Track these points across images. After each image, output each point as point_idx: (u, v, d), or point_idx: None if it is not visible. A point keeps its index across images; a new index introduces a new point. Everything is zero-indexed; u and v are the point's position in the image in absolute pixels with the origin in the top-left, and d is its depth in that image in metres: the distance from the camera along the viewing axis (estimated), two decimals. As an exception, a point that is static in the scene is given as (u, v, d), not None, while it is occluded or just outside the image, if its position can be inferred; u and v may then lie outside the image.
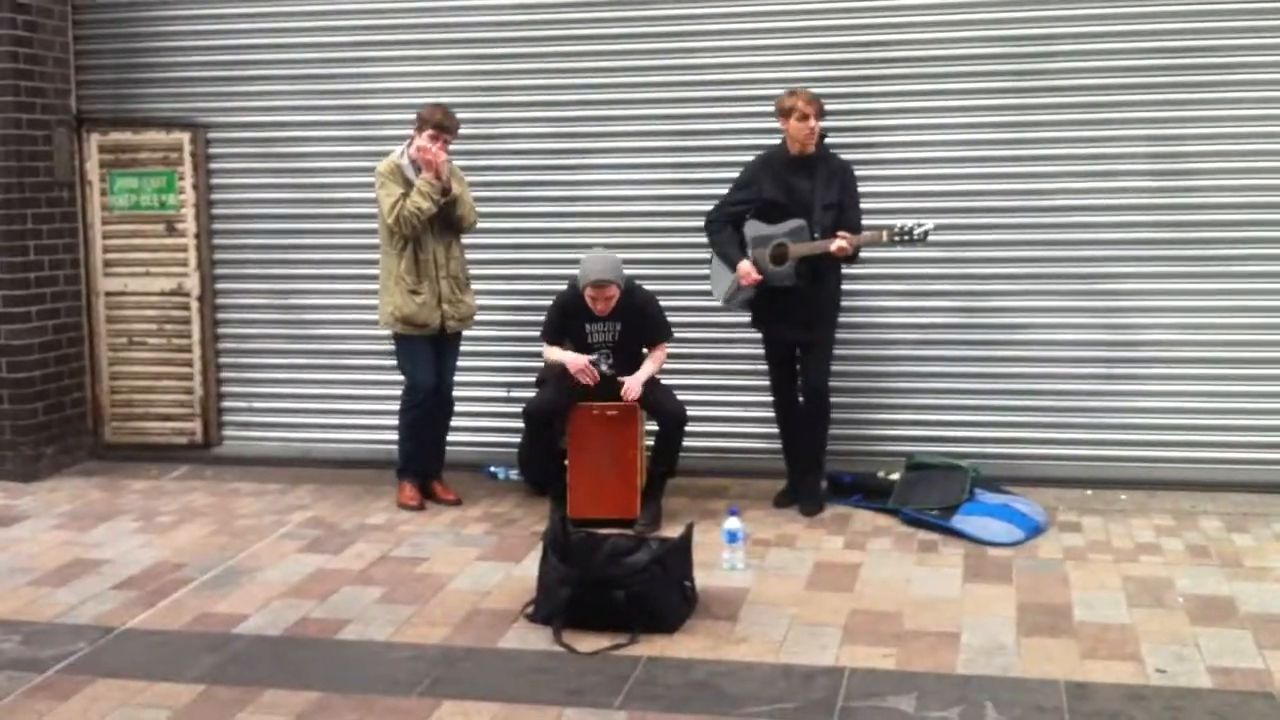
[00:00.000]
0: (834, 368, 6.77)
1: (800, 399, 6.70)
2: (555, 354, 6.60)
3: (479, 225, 6.97)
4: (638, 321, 6.63)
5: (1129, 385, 6.99)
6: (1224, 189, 6.80)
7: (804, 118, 6.36)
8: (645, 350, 6.71)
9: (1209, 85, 6.78)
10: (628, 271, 6.57)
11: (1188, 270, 6.88)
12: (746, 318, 6.80)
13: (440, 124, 6.60)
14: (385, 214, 6.64)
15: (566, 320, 6.63)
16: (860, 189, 6.61)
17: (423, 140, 6.59)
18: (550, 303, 6.72)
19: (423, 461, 6.97)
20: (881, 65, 7.11)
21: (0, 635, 5.10)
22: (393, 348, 6.95)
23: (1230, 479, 6.80)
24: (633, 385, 6.47)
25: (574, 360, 6.48)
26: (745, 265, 6.50)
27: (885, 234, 6.34)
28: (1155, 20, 6.82)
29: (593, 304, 6.49)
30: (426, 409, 6.88)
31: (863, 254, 6.60)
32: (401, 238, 6.65)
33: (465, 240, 6.94)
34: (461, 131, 6.84)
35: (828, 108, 6.75)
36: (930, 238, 6.33)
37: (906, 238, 6.31)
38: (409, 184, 6.61)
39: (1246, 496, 6.66)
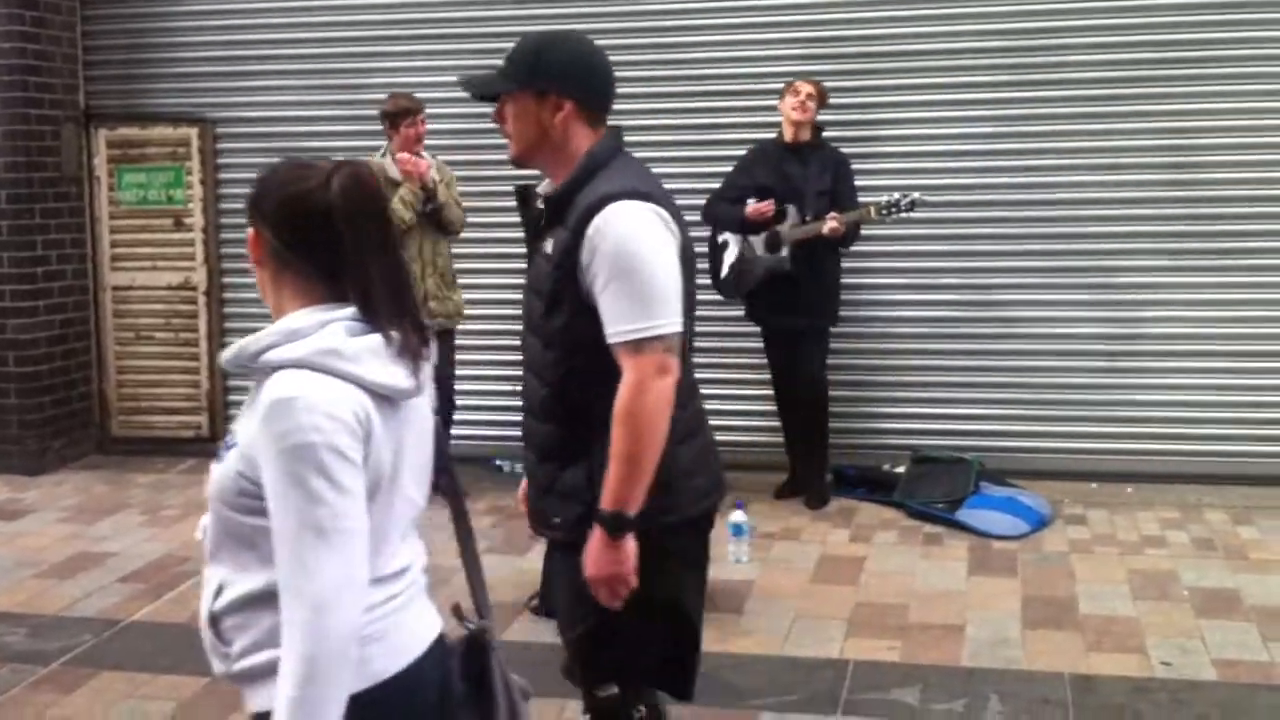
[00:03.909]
0: (839, 361, 6.78)
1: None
2: None
3: (483, 219, 6.98)
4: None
5: (1134, 378, 6.98)
6: (1231, 182, 6.79)
7: (795, 92, 6.39)
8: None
9: (1216, 78, 6.77)
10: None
11: (1193, 264, 6.87)
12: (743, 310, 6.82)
13: (407, 110, 6.60)
14: None
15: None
16: (867, 181, 6.62)
17: (399, 145, 6.60)
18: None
19: None
20: (886, 58, 7.11)
21: (6, 628, 5.13)
22: None
23: (1236, 472, 6.79)
24: None
25: None
26: (753, 206, 6.46)
27: (872, 209, 6.35)
28: (1162, 11, 6.81)
29: None
30: None
31: (867, 247, 6.61)
32: None
33: (467, 232, 6.94)
34: (466, 126, 6.83)
35: (833, 100, 6.76)
36: (918, 208, 6.35)
37: (895, 210, 6.31)
38: (394, 184, 6.61)
39: (1252, 489, 6.65)
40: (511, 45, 2.92)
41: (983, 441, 6.99)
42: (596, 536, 2.71)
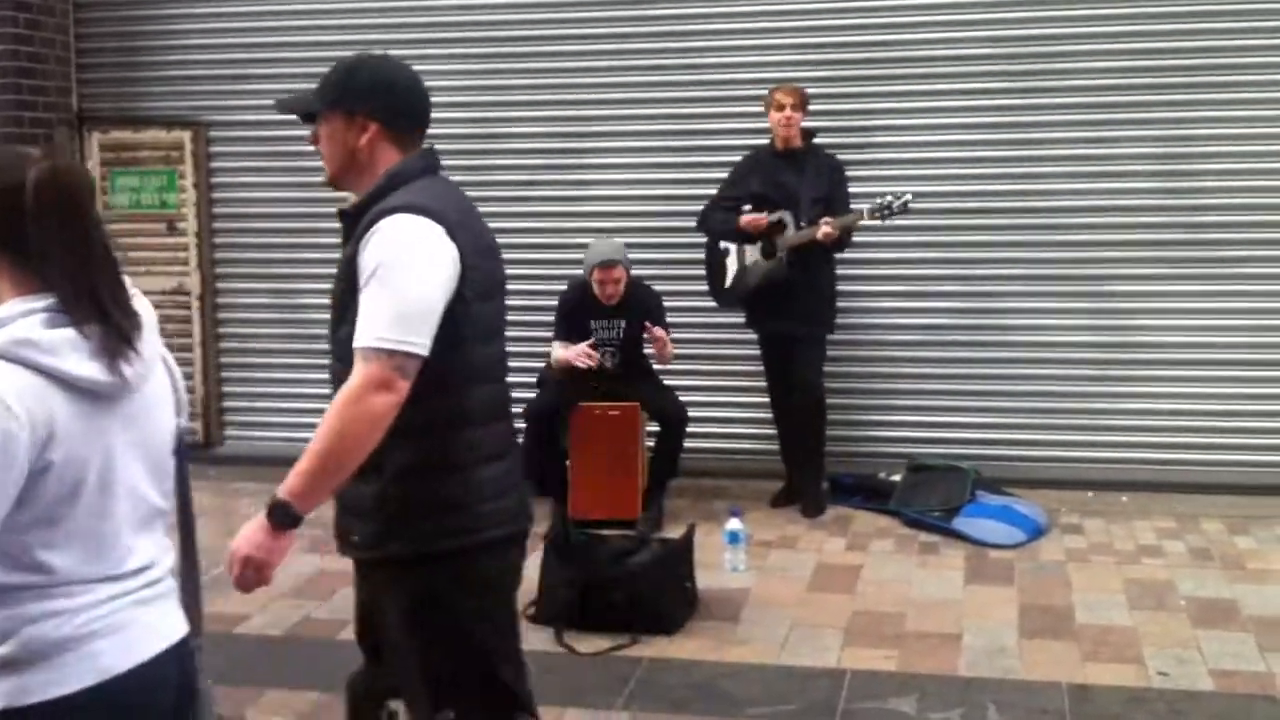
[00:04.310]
0: (835, 369, 6.77)
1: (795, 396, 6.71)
2: (558, 352, 6.58)
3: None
4: (642, 318, 6.62)
5: (1130, 387, 6.99)
6: (1225, 190, 6.80)
7: (779, 107, 6.41)
8: (647, 336, 6.69)
9: (1210, 86, 6.78)
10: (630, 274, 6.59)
11: (1189, 272, 6.88)
12: (743, 318, 6.81)
13: None
14: None
15: (571, 319, 6.61)
16: (861, 189, 6.62)
17: None
18: (554, 304, 6.71)
19: None
20: (882, 65, 7.11)
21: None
22: None
23: (1232, 481, 6.79)
24: (665, 337, 6.41)
25: (574, 351, 6.44)
26: (748, 217, 6.49)
27: (865, 211, 6.34)
28: (1156, 20, 6.82)
29: (600, 289, 6.45)
30: None
31: (863, 254, 6.61)
32: None
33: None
34: (462, 131, 6.81)
35: (828, 107, 6.78)
36: (911, 206, 6.34)
37: (887, 213, 6.31)
38: None
39: (1248, 499, 6.65)
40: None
41: (979, 450, 6.99)
42: (258, 517, 2.67)
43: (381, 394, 2.58)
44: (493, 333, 2.86)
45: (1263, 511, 6.50)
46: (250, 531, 2.67)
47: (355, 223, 2.75)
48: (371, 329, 2.60)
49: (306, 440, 2.63)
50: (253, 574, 2.69)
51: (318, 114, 2.87)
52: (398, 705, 3.11)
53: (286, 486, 2.62)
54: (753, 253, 6.55)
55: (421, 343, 2.61)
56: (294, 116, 2.95)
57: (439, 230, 2.67)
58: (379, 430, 2.60)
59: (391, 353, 2.58)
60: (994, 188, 7.03)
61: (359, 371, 2.59)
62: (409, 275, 2.62)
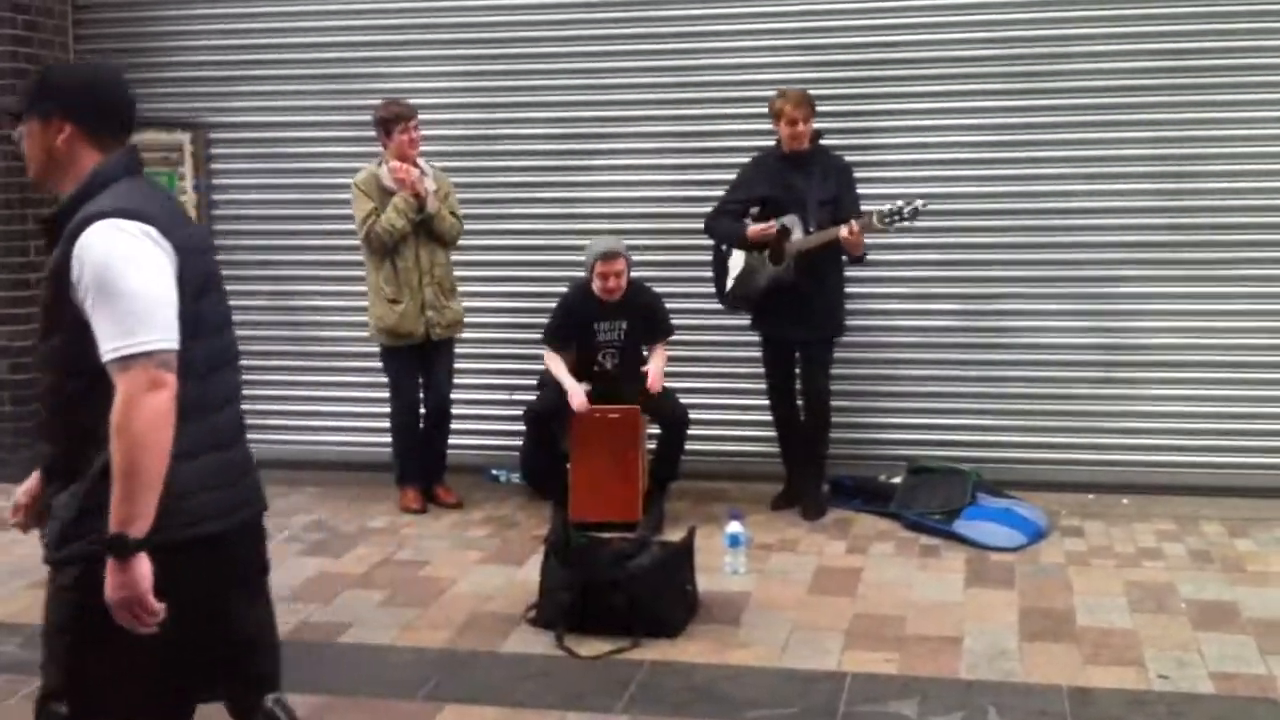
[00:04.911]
0: (835, 372, 6.76)
1: (800, 402, 6.70)
2: (556, 369, 6.56)
3: (481, 227, 6.97)
4: (644, 320, 6.62)
5: (1131, 390, 6.98)
6: (1226, 194, 6.80)
7: (792, 122, 6.36)
8: (647, 350, 6.71)
9: (1212, 90, 6.78)
10: (631, 274, 6.59)
11: (1189, 275, 6.87)
12: (748, 320, 6.80)
13: (400, 115, 6.61)
14: (357, 228, 6.65)
15: (572, 320, 6.60)
16: (862, 191, 6.60)
17: (394, 152, 6.61)
18: (555, 304, 6.71)
19: (419, 469, 6.95)
20: (885, 67, 7.10)
21: (0, 638, 5.09)
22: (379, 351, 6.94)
23: (1232, 484, 6.78)
24: (655, 378, 6.47)
25: (576, 396, 6.42)
26: (755, 227, 6.46)
27: (875, 217, 6.23)
28: (1159, 24, 6.81)
29: (602, 282, 6.44)
30: (413, 418, 6.89)
31: (868, 255, 6.61)
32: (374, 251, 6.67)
33: (465, 241, 6.93)
34: (463, 133, 6.81)
35: (831, 109, 6.76)
36: (920, 215, 6.24)
37: (898, 218, 6.23)
38: (389, 194, 6.59)
39: (1248, 501, 6.64)
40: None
41: (979, 452, 6.98)
42: (109, 561, 2.65)
43: (153, 394, 2.62)
44: (207, 329, 2.87)
45: (1263, 514, 6.49)
46: (108, 579, 2.65)
47: (59, 227, 2.77)
48: (118, 339, 2.63)
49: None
50: (131, 614, 2.67)
51: (22, 116, 2.92)
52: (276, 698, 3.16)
53: (113, 520, 2.63)
54: (760, 258, 6.51)
55: (170, 335, 2.67)
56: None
57: (152, 230, 2.72)
58: (168, 427, 2.64)
59: (148, 354, 2.63)
60: (995, 190, 7.03)
61: (122, 383, 2.62)
62: (135, 277, 2.66)
